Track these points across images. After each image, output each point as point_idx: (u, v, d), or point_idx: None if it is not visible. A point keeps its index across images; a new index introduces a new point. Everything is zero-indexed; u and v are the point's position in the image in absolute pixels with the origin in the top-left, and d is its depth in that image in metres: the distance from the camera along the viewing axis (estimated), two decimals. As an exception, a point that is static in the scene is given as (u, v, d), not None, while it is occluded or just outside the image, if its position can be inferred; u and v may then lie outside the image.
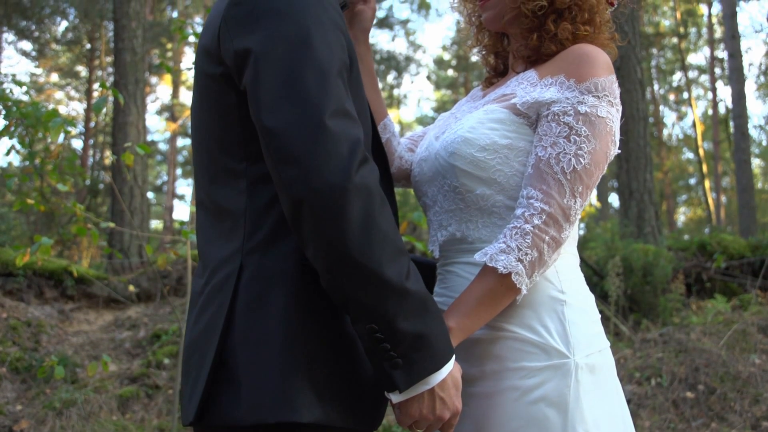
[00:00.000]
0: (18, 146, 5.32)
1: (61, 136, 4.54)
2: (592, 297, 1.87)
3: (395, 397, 1.56)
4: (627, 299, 7.56)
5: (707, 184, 28.31)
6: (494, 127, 1.81)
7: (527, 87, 1.85)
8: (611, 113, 1.77)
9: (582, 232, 10.87)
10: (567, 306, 1.76)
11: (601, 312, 7.43)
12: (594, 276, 8.06)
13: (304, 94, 1.47)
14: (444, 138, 1.90)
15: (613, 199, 28.11)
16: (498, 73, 2.17)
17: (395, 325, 1.48)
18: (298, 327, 1.54)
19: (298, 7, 1.56)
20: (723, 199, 31.43)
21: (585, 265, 8.13)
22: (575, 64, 1.80)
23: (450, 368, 1.58)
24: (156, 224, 31.33)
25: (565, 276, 1.80)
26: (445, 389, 1.58)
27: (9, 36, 26.51)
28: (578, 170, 1.72)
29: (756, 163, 34.55)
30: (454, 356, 1.60)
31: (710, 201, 27.72)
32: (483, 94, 2.11)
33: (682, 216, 37.41)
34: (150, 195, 26.39)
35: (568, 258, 1.84)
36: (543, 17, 1.92)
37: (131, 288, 6.74)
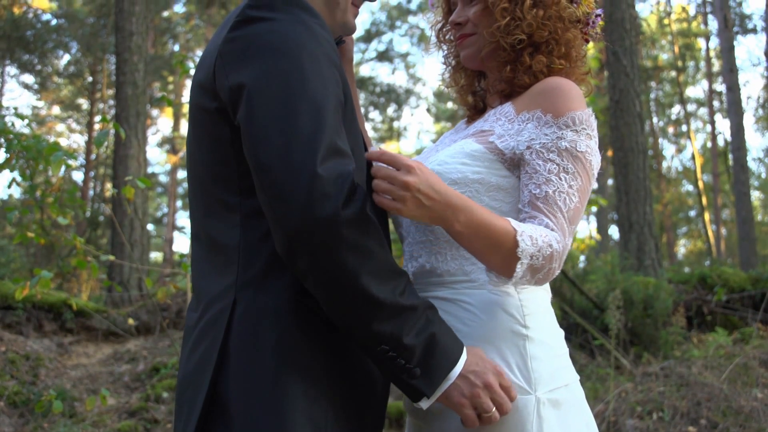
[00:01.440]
0: (19, 179, 5.33)
1: (62, 169, 4.56)
2: (560, 332, 1.87)
3: (425, 404, 1.59)
4: (628, 332, 7.53)
5: (707, 216, 28.32)
6: (466, 162, 1.82)
7: (505, 123, 1.86)
8: (590, 146, 1.79)
9: (582, 265, 10.84)
10: (529, 341, 1.75)
11: (601, 345, 7.41)
12: (594, 309, 8.03)
13: (297, 131, 1.49)
14: None
15: (613, 231, 28.14)
16: (477, 111, 2.18)
17: (404, 342, 1.53)
18: (291, 363, 1.54)
19: (293, 43, 1.58)
20: (723, 231, 31.43)
21: (585, 298, 8.11)
22: (551, 99, 1.82)
23: (465, 356, 1.62)
24: (156, 256, 31.33)
25: (529, 310, 1.79)
26: (469, 367, 1.62)
27: (11, 69, 26.69)
28: (572, 209, 1.74)
29: (755, 195, 34.60)
30: (464, 346, 1.63)
31: (710, 233, 27.71)
32: (466, 126, 2.12)
33: (682, 248, 37.39)
34: (150, 227, 26.41)
35: (537, 292, 1.84)
36: (520, 51, 1.94)
37: (130, 321, 6.73)
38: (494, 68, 2.02)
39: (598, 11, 2.06)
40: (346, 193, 1.48)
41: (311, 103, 1.53)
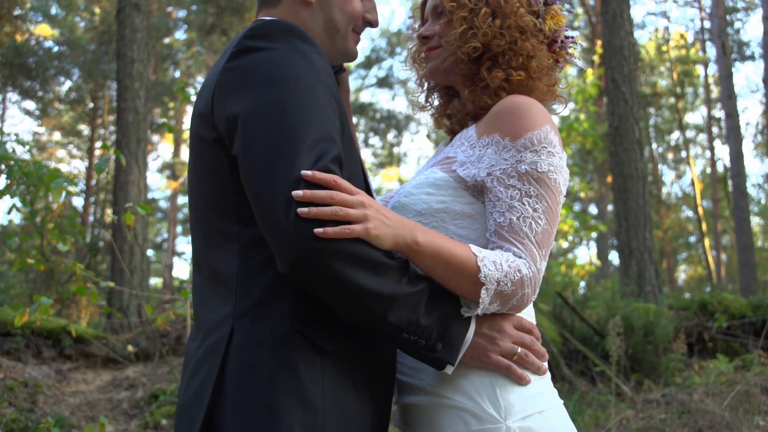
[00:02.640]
0: (19, 204, 5.34)
1: (62, 195, 4.57)
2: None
3: (450, 369, 1.68)
4: (628, 359, 7.50)
5: (707, 242, 28.28)
6: (430, 192, 1.83)
7: (467, 149, 1.87)
8: (553, 164, 1.78)
9: (582, 291, 10.83)
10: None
11: (602, 372, 7.38)
12: (595, 335, 8.01)
13: (290, 162, 1.50)
14: (391, 201, 1.94)
15: (614, 257, 28.09)
16: (454, 134, 2.18)
17: (420, 324, 1.60)
18: (287, 393, 1.55)
19: (290, 73, 1.59)
20: (723, 257, 31.38)
21: (586, 324, 8.09)
22: (507, 120, 1.81)
23: (474, 322, 1.70)
24: (155, 282, 31.25)
25: None
26: (482, 323, 1.72)
27: (13, 96, 26.79)
28: (539, 233, 1.74)
29: (755, 221, 34.58)
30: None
31: (710, 259, 27.66)
32: (444, 149, 2.12)
33: (682, 274, 37.31)
34: (150, 252, 26.37)
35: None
36: (479, 63, 1.94)
37: (130, 348, 6.70)
38: (459, 84, 2.03)
39: (572, 33, 2.07)
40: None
41: (307, 133, 1.54)
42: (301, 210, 1.45)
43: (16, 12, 19.96)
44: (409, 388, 1.84)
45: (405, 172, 37.74)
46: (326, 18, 1.88)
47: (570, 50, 2.09)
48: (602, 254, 26.34)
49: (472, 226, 1.81)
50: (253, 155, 1.53)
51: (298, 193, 1.46)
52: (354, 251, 1.49)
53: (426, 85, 2.23)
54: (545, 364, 1.81)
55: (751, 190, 34.17)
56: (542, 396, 1.77)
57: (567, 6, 2.07)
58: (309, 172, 1.48)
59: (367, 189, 1.84)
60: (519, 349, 1.72)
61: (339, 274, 1.48)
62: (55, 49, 25.11)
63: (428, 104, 2.24)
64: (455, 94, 2.16)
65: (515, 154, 1.77)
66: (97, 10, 25.78)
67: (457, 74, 2.00)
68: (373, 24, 1.97)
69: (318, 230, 1.45)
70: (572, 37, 2.07)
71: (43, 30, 25.17)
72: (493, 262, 1.65)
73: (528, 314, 1.87)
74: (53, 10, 25.59)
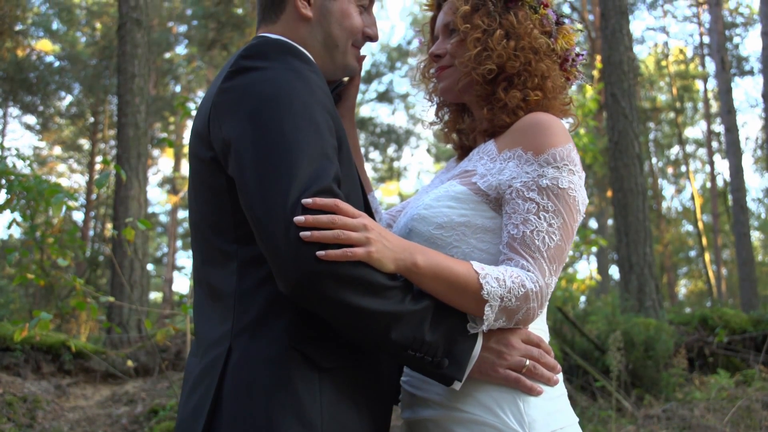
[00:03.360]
0: (19, 219, 5.34)
1: (63, 210, 4.57)
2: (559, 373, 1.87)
3: (457, 385, 1.68)
4: (629, 374, 7.48)
5: (707, 256, 28.28)
6: (451, 205, 1.82)
7: (487, 162, 1.87)
8: (573, 182, 1.79)
9: (583, 306, 10.81)
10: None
11: (602, 387, 7.36)
12: (595, 350, 7.99)
13: (285, 183, 1.51)
14: (407, 214, 1.93)
15: (614, 271, 28.08)
16: (463, 150, 2.19)
17: (425, 340, 1.59)
18: (284, 411, 1.55)
19: (286, 93, 1.59)
20: (724, 271, 31.36)
21: (586, 339, 8.07)
22: (531, 136, 1.82)
23: (481, 337, 1.69)
24: (155, 296, 31.24)
25: None
26: (489, 337, 1.71)
27: (14, 110, 26.85)
28: (552, 248, 1.74)
29: (755, 236, 34.58)
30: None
31: (711, 274, 27.65)
32: (456, 165, 2.13)
33: (683, 288, 37.28)
34: (150, 267, 26.36)
35: (538, 334, 1.84)
36: (494, 84, 1.95)
37: (129, 363, 6.69)
38: (474, 103, 2.04)
39: (582, 51, 2.08)
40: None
41: (303, 153, 1.54)
42: (304, 234, 1.45)
43: (18, 27, 20.02)
44: (420, 402, 1.84)
45: (405, 187, 37.81)
46: (325, 33, 1.88)
47: (579, 67, 2.10)
48: (602, 269, 26.32)
49: (493, 241, 1.82)
50: (250, 178, 1.53)
51: (299, 218, 1.46)
52: (355, 274, 1.50)
53: (436, 100, 2.23)
54: (560, 378, 1.82)
55: (751, 205, 34.21)
56: (563, 413, 1.78)
57: (579, 25, 2.09)
58: (310, 200, 1.48)
59: (366, 205, 1.84)
60: (527, 362, 1.72)
61: (340, 297, 1.49)
62: (56, 64, 25.22)
63: (438, 120, 2.24)
64: (465, 109, 2.17)
65: (537, 168, 1.77)
66: (98, 25, 25.92)
67: (472, 94, 2.01)
68: (373, 38, 1.97)
69: (320, 253, 1.45)
70: (582, 55, 2.08)
71: (45, 45, 25.28)
72: (496, 279, 1.65)
73: (541, 328, 1.87)
74: (54, 26, 25.71)
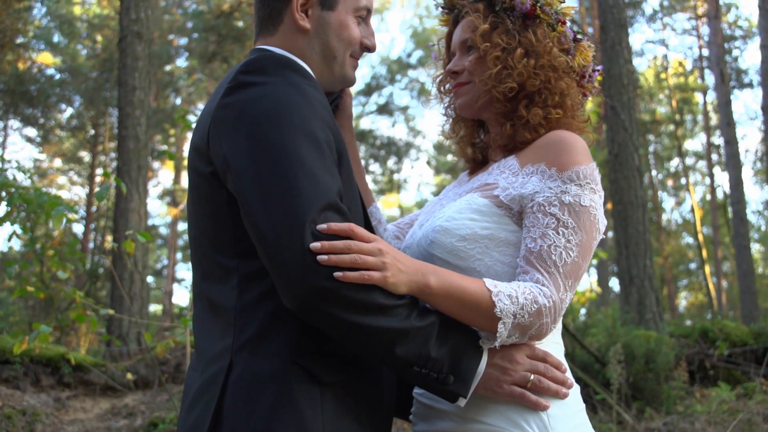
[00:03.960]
0: (19, 231, 5.35)
1: (63, 222, 4.57)
2: (576, 388, 1.86)
3: (462, 401, 1.68)
4: (629, 387, 7.46)
5: (707, 269, 28.25)
6: (474, 218, 1.83)
7: (509, 176, 1.88)
8: (594, 200, 1.80)
9: (583, 318, 10.79)
10: (547, 397, 1.76)
11: (602, 400, 7.33)
12: (596, 363, 7.97)
13: (288, 199, 1.51)
14: (426, 226, 1.92)
15: (614, 284, 28.03)
16: (477, 164, 2.19)
17: (431, 356, 1.59)
18: (285, 426, 1.54)
19: (286, 108, 1.60)
20: (724, 283, 31.32)
21: (586, 352, 8.06)
22: (555, 152, 1.83)
23: (486, 353, 1.70)
24: (155, 308, 31.18)
25: None
26: (494, 354, 1.71)
27: (14, 123, 26.88)
28: (568, 264, 1.74)
29: (756, 248, 34.54)
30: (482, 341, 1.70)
31: (711, 286, 27.61)
32: (469, 179, 2.13)
33: (683, 301, 37.21)
34: (150, 279, 26.34)
35: (553, 347, 1.85)
36: (515, 101, 1.96)
37: (129, 375, 6.67)
38: (493, 120, 2.04)
39: (598, 66, 2.09)
40: None
41: (303, 168, 1.54)
42: (321, 258, 1.47)
43: (19, 40, 20.08)
44: (438, 414, 1.83)
45: (405, 199, 37.79)
46: (323, 45, 1.88)
47: (595, 82, 2.12)
48: (603, 281, 26.29)
49: (515, 254, 1.82)
50: (252, 194, 1.53)
51: (315, 245, 1.47)
52: (361, 295, 1.50)
53: (452, 114, 2.24)
54: (576, 393, 1.83)
55: (751, 217, 34.19)
56: (585, 426, 1.80)
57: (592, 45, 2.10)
58: (325, 225, 1.50)
59: (366, 218, 1.84)
60: (532, 377, 1.72)
61: (347, 314, 1.50)
62: (57, 76, 25.27)
63: (454, 134, 2.25)
64: (480, 124, 2.18)
65: (560, 185, 1.78)
66: (99, 38, 25.98)
67: (491, 111, 2.02)
68: (371, 49, 1.98)
69: (338, 273, 1.46)
70: (598, 70, 2.09)
71: (45, 58, 25.34)
72: (509, 296, 1.66)
73: (556, 342, 1.88)
74: (56, 38, 25.78)
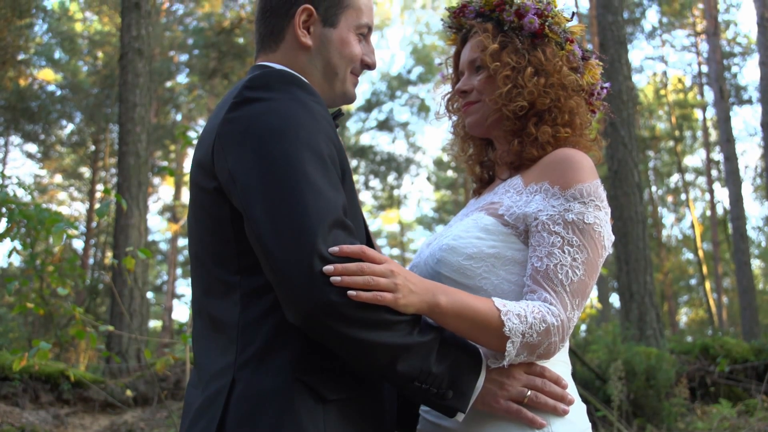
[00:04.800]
0: (19, 247, 5.35)
1: (63, 238, 4.57)
2: (582, 406, 1.86)
3: (460, 416, 1.68)
4: (630, 404, 7.45)
5: (708, 285, 28.22)
6: (480, 236, 1.83)
7: (513, 195, 1.89)
8: (599, 217, 1.80)
9: (583, 335, 10.78)
10: (552, 417, 1.75)
11: (603, 417, 7.31)
12: (596, 380, 7.96)
13: (295, 214, 1.52)
14: (433, 245, 1.93)
15: (614, 300, 27.98)
16: (484, 183, 2.21)
17: (432, 372, 1.60)
18: None
19: (290, 123, 1.60)
20: (724, 299, 31.27)
21: (587, 368, 8.04)
22: (559, 171, 1.84)
23: (485, 364, 1.70)
24: (155, 324, 31.11)
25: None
26: (491, 371, 1.72)
27: (15, 139, 26.92)
28: (575, 282, 1.74)
29: (756, 264, 34.50)
30: (481, 352, 1.71)
31: (711, 302, 27.58)
32: (476, 199, 2.15)
33: (684, 317, 37.14)
34: (149, 295, 26.30)
35: (560, 366, 1.84)
36: (524, 120, 1.97)
37: (128, 392, 6.65)
38: (501, 138, 2.05)
39: (606, 84, 2.11)
40: None
41: (309, 184, 1.55)
42: (335, 279, 1.48)
43: (21, 57, 20.14)
44: (443, 431, 1.83)
45: (405, 215, 37.80)
46: (325, 62, 1.89)
47: (603, 99, 2.13)
48: (603, 297, 26.25)
49: (522, 273, 1.83)
50: (259, 210, 1.54)
51: (329, 268, 1.48)
52: (367, 311, 1.51)
53: (461, 133, 2.25)
54: (582, 411, 1.83)
55: (752, 233, 34.14)
56: None
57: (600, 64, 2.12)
58: (336, 248, 1.51)
59: (368, 234, 1.85)
60: (528, 392, 1.72)
61: (350, 330, 1.50)
62: (58, 93, 25.34)
63: (463, 153, 2.26)
64: (489, 143, 2.19)
65: (564, 203, 1.79)
66: (100, 54, 26.07)
67: (500, 129, 2.03)
68: (371, 66, 1.98)
69: (352, 293, 1.48)
70: (606, 87, 2.11)
71: (47, 75, 25.42)
72: (518, 315, 1.66)
73: (563, 360, 1.87)
74: (57, 55, 25.86)
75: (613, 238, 1.87)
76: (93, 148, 26.90)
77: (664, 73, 31.86)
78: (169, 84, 26.70)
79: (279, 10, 1.88)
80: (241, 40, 21.54)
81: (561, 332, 1.71)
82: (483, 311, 1.64)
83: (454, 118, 2.25)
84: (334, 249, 1.50)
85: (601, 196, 1.83)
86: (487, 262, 1.81)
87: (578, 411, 1.82)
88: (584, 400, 7.58)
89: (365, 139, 34.55)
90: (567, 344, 1.87)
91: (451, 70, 2.25)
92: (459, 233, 1.87)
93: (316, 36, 1.88)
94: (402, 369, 1.57)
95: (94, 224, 26.34)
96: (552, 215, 1.79)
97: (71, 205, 30.84)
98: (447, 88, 2.27)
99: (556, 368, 1.82)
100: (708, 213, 31.99)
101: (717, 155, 29.90)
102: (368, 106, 33.43)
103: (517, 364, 1.73)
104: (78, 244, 25.55)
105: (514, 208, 1.85)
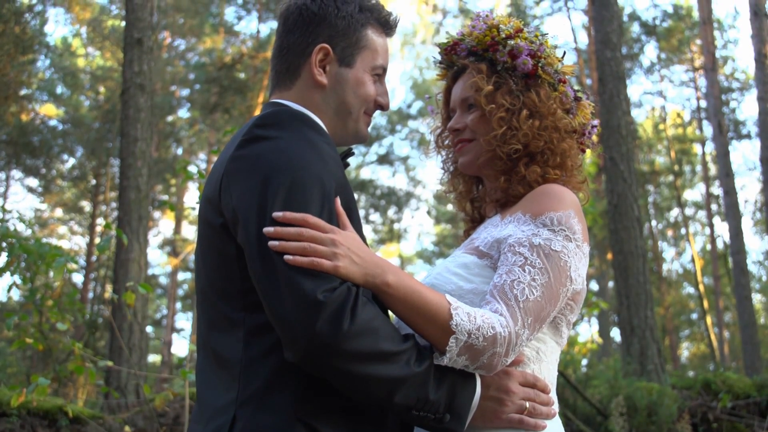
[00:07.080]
0: (19, 281, 5.34)
1: (63, 272, 4.57)
2: (557, 417, 1.88)
3: None
4: (632, 440, 7.39)
5: (709, 319, 28.11)
6: (458, 273, 1.86)
7: (490, 229, 1.93)
8: (567, 248, 1.80)
9: (585, 370, 10.72)
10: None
11: (606, 453, 7.25)
12: (598, 415, 7.90)
13: None
14: (424, 282, 1.94)
15: (615, 334, 27.87)
16: (474, 222, 2.22)
17: (429, 399, 1.61)
18: None
19: (297, 164, 1.62)
20: (726, 334, 31.14)
21: (588, 404, 7.99)
22: (534, 201, 1.87)
23: (479, 381, 1.73)
24: (154, 359, 30.96)
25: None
26: (487, 387, 1.74)
27: (16, 173, 26.97)
28: (530, 300, 1.74)
29: (757, 298, 34.39)
30: (475, 374, 1.73)
31: (713, 336, 27.46)
32: (465, 239, 2.17)
33: (685, 351, 36.96)
34: (149, 329, 26.20)
35: (551, 426, 1.86)
36: (516, 160, 1.99)
37: (127, 428, 6.61)
38: (491, 176, 2.07)
39: (594, 122, 2.12)
40: (349, 312, 1.51)
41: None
42: (272, 243, 1.49)
43: (23, 92, 20.26)
44: None
45: (405, 248, 37.72)
46: (339, 100, 1.91)
47: (594, 137, 2.14)
48: (604, 331, 26.15)
49: None
50: (257, 248, 1.55)
51: (269, 229, 1.51)
52: (365, 344, 1.52)
53: (450, 168, 2.27)
54: (555, 409, 1.85)
55: (752, 267, 34.11)
56: None
57: (592, 101, 2.13)
58: (280, 213, 1.52)
59: None
60: (527, 404, 1.76)
61: (349, 366, 1.51)
62: (60, 127, 25.43)
63: (453, 189, 2.26)
64: (478, 180, 2.20)
65: (533, 228, 1.81)
66: (101, 89, 26.20)
67: (491, 168, 2.05)
68: (384, 107, 2.01)
69: (288, 257, 1.49)
70: (596, 126, 2.12)
71: (49, 109, 25.54)
72: (467, 314, 1.66)
73: (552, 382, 1.90)
74: (59, 90, 26.00)
75: (584, 274, 1.87)
76: (94, 182, 26.94)
77: (663, 108, 32.01)
78: (170, 118, 26.84)
79: (296, 48, 1.90)
80: (242, 75, 21.69)
81: (506, 345, 1.69)
82: (433, 301, 1.64)
83: (445, 153, 2.26)
84: (278, 214, 1.52)
85: (574, 228, 1.83)
86: (465, 299, 1.82)
87: (555, 424, 1.87)
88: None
89: (365, 173, 34.68)
90: (555, 366, 1.91)
91: (442, 106, 2.27)
92: (440, 271, 1.90)
93: (331, 75, 1.90)
94: (400, 401, 1.58)
95: (94, 258, 26.31)
96: (519, 238, 1.81)
97: (71, 239, 30.84)
98: (438, 122, 2.29)
99: (551, 370, 1.90)
100: (708, 247, 31.98)
101: (716, 189, 29.94)
102: (368, 141, 33.54)
103: (511, 377, 1.77)
104: (78, 278, 25.53)
105: (489, 237, 1.88)
